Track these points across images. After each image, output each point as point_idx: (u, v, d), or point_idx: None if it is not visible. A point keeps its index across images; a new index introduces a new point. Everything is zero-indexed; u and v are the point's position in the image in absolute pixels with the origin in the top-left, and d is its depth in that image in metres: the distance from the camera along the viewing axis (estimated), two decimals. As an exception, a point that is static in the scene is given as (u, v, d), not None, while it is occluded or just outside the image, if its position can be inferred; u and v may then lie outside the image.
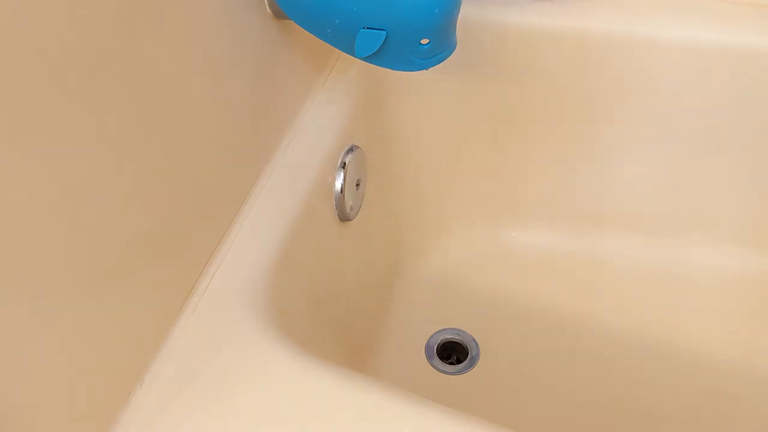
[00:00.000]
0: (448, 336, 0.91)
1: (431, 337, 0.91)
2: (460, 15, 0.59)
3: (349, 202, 0.72)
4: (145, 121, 0.45)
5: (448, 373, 0.87)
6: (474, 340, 0.90)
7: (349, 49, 0.58)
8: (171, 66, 0.47)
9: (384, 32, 0.55)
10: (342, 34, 0.57)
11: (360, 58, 0.58)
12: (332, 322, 0.74)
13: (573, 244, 0.99)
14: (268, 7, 0.60)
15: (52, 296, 0.39)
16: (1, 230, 0.35)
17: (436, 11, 0.55)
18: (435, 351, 0.89)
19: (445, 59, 0.60)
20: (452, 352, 0.91)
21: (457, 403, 0.50)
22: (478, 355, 0.89)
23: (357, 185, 0.75)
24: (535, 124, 0.91)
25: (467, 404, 0.83)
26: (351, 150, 0.72)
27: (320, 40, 0.60)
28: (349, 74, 0.77)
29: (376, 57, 0.58)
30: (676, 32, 0.80)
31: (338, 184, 0.70)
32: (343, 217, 0.72)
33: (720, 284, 0.94)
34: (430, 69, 0.60)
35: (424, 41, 0.56)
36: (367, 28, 0.55)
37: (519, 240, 1.01)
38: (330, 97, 0.74)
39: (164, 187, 0.49)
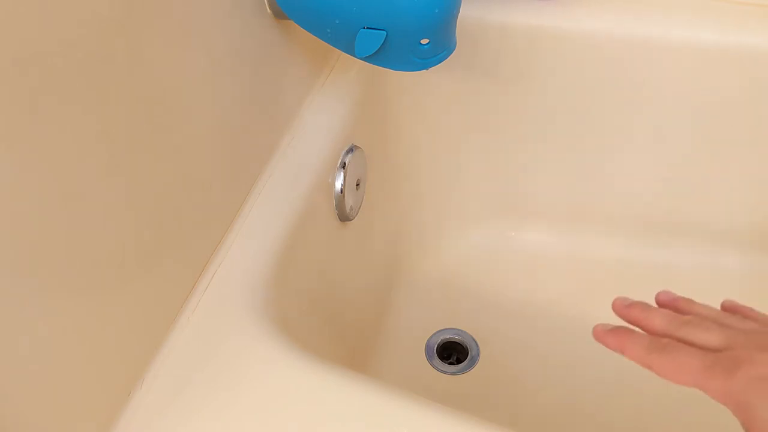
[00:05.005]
0: (448, 336, 0.91)
1: (431, 337, 0.91)
2: (460, 15, 0.59)
3: (349, 202, 0.72)
4: (145, 121, 0.45)
5: (448, 373, 0.87)
6: (474, 340, 0.90)
7: (349, 49, 0.58)
8: (171, 66, 0.47)
9: (384, 32, 0.55)
10: (342, 34, 0.57)
11: (360, 58, 0.58)
12: (332, 322, 0.74)
13: (573, 243, 0.99)
14: (268, 7, 0.60)
15: (52, 296, 0.39)
16: (1, 229, 0.35)
17: (436, 11, 0.55)
18: (435, 351, 0.90)
19: (445, 59, 0.60)
20: (452, 352, 0.91)
21: (457, 403, 0.50)
22: (478, 355, 0.89)
23: (357, 185, 0.75)
24: (536, 124, 0.91)
25: (467, 404, 0.83)
26: (351, 150, 0.72)
27: (320, 40, 0.60)
28: (349, 74, 0.77)
29: (376, 57, 0.58)
30: (677, 32, 0.80)
31: (338, 184, 0.70)
32: (343, 217, 0.72)
33: (720, 284, 0.94)
34: (430, 69, 0.60)
35: (424, 41, 0.56)
36: (367, 28, 0.55)
37: (519, 240, 1.01)
38: (330, 97, 0.74)
39: (164, 187, 0.49)
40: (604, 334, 0.43)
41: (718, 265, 0.96)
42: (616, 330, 0.42)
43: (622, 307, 0.45)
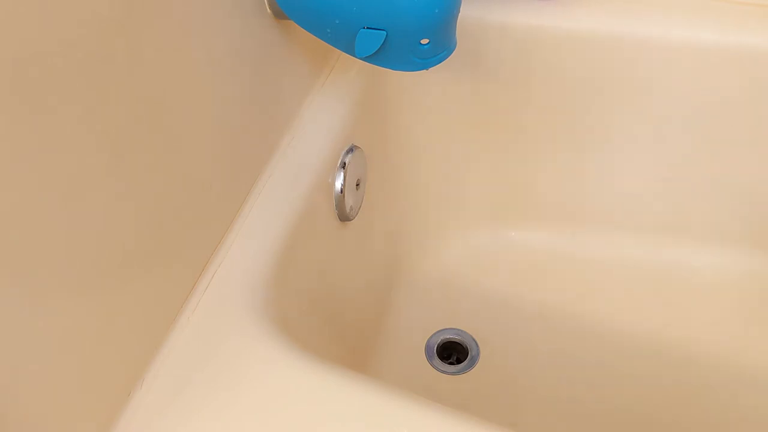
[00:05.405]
0: (448, 336, 0.91)
1: (431, 337, 0.91)
2: (460, 15, 0.59)
3: (349, 202, 0.72)
4: (145, 121, 0.45)
5: (448, 373, 0.87)
6: (474, 340, 0.90)
7: (349, 49, 0.58)
8: (171, 66, 0.47)
9: (384, 32, 0.55)
10: (342, 34, 0.57)
11: (360, 58, 0.58)
12: (332, 322, 0.74)
13: (573, 244, 0.99)
14: (268, 7, 0.60)
15: (53, 296, 0.39)
16: (1, 229, 0.35)
17: (436, 11, 0.55)
18: (435, 351, 0.89)
19: (445, 59, 0.60)
20: (452, 352, 0.91)
21: (457, 403, 0.50)
22: (478, 355, 0.89)
23: (357, 185, 0.75)
24: (535, 124, 0.91)
25: (467, 404, 0.83)
26: (351, 150, 0.72)
27: (320, 40, 0.60)
28: (349, 74, 0.77)
29: (376, 57, 0.58)
30: (677, 32, 0.80)
31: (338, 184, 0.70)
32: (343, 217, 0.72)
33: (720, 284, 0.94)
34: (431, 69, 0.60)
35: (424, 41, 0.56)
36: (367, 28, 0.55)
37: (519, 240, 1.01)
38: (330, 97, 0.74)
39: (164, 187, 0.49)
40: None
41: (718, 264, 0.95)
42: None
43: None
